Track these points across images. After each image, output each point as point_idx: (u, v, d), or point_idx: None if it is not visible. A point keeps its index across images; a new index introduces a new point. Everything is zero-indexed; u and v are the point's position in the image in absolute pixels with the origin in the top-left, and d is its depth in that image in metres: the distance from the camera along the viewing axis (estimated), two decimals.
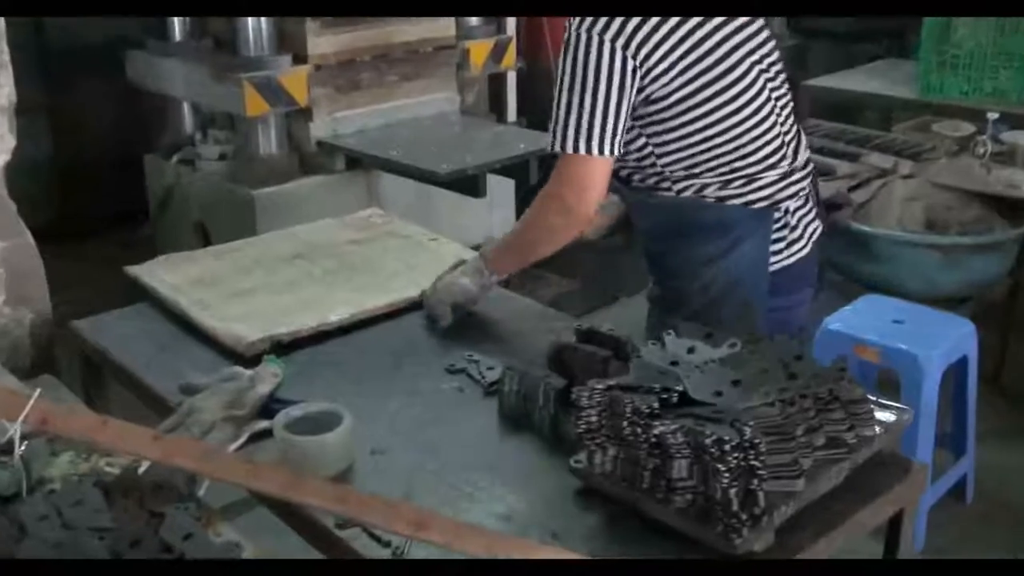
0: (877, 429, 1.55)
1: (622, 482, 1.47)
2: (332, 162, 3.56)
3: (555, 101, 1.85)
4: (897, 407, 1.59)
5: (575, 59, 1.81)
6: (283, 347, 1.99)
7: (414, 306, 2.17)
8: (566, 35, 1.84)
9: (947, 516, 2.90)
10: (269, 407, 1.74)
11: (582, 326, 1.84)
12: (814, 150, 3.64)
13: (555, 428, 1.68)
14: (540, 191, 1.95)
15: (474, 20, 4.01)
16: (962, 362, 2.85)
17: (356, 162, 3.56)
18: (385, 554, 1.42)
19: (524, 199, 3.92)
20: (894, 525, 1.59)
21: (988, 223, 3.29)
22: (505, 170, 3.48)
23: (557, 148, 1.86)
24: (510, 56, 4.13)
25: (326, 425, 1.63)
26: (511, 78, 4.28)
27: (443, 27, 3.81)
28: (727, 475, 1.33)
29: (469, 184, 3.26)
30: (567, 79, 1.83)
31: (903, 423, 1.58)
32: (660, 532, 1.42)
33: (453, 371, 1.94)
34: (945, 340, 2.76)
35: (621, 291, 4.30)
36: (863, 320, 2.78)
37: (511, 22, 4.22)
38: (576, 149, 1.84)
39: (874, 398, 1.59)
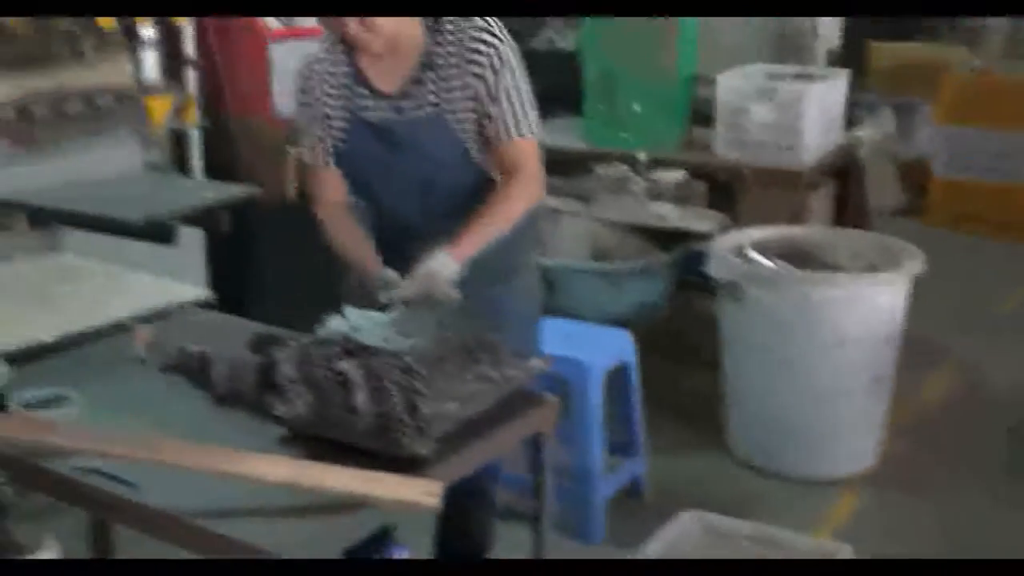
0: (517, 372, 2.33)
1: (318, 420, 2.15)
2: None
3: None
4: (531, 359, 2.39)
5: None
6: None
7: None
8: None
9: (626, 511, 3.76)
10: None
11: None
12: None
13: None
14: (507, 177, 2.57)
15: (153, 76, 4.56)
16: (624, 370, 3.74)
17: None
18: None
19: (220, 248, 4.47)
20: (536, 445, 2.38)
21: (645, 252, 4.29)
22: (193, 220, 4.04)
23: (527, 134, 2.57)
24: (191, 112, 4.74)
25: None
26: (195, 136, 4.88)
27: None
28: (395, 392, 2.04)
29: (160, 231, 3.78)
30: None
31: (538, 365, 2.37)
32: (351, 451, 2.10)
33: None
34: (606, 347, 3.65)
35: None
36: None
37: (192, 79, 4.84)
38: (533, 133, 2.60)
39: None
